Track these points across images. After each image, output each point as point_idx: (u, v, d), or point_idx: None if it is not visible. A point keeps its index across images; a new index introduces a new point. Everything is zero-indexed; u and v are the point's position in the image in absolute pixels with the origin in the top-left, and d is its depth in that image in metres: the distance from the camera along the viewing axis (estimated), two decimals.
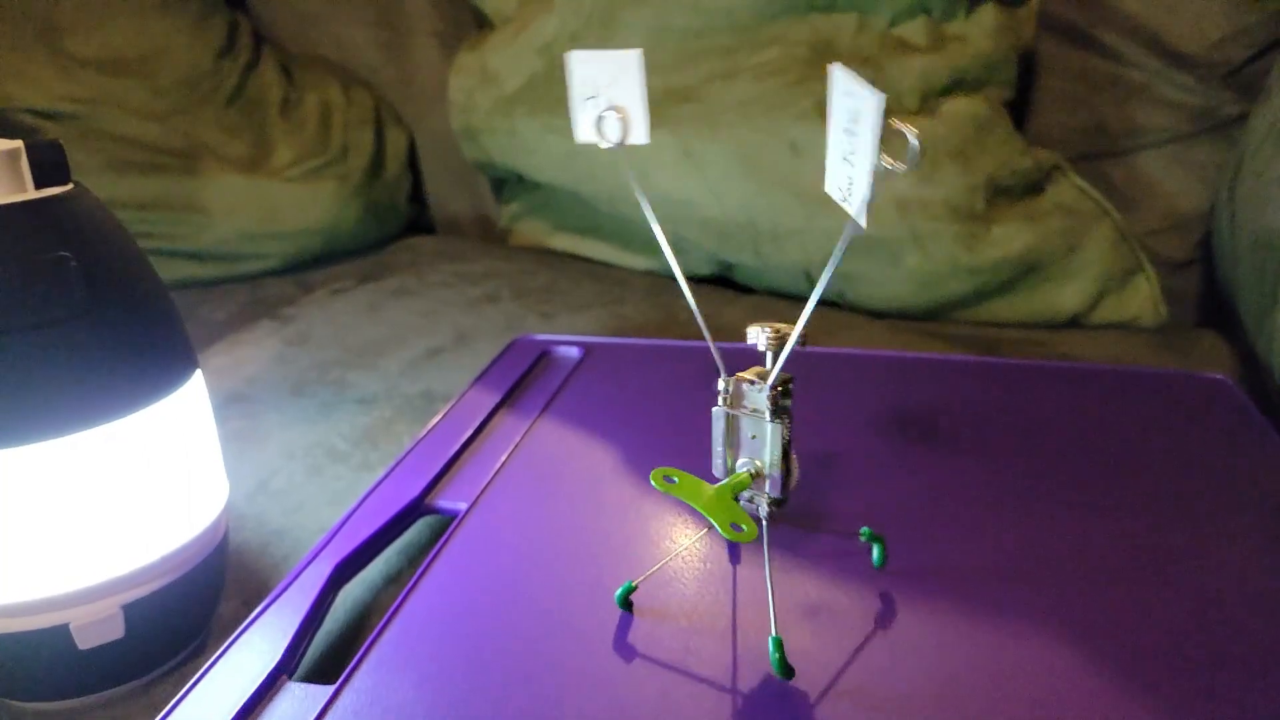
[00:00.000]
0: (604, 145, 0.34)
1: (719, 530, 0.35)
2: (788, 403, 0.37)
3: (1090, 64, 0.92)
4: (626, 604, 0.40)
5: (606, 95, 0.33)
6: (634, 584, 0.40)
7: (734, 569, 0.42)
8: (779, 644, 0.35)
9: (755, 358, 0.65)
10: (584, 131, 0.35)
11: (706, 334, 0.38)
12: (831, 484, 0.49)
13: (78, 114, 0.94)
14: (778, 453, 0.37)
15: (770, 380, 0.36)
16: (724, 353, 0.66)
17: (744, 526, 0.35)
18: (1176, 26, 0.88)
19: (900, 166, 0.27)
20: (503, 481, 0.51)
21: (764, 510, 0.38)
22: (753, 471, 0.38)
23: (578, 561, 0.43)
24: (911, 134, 0.27)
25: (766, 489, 0.38)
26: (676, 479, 0.38)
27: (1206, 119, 0.89)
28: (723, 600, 0.40)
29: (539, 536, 0.45)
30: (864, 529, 0.42)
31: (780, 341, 0.37)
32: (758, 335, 0.37)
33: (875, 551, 0.41)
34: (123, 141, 0.95)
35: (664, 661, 0.36)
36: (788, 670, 0.35)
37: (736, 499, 0.38)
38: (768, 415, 0.37)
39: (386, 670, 0.37)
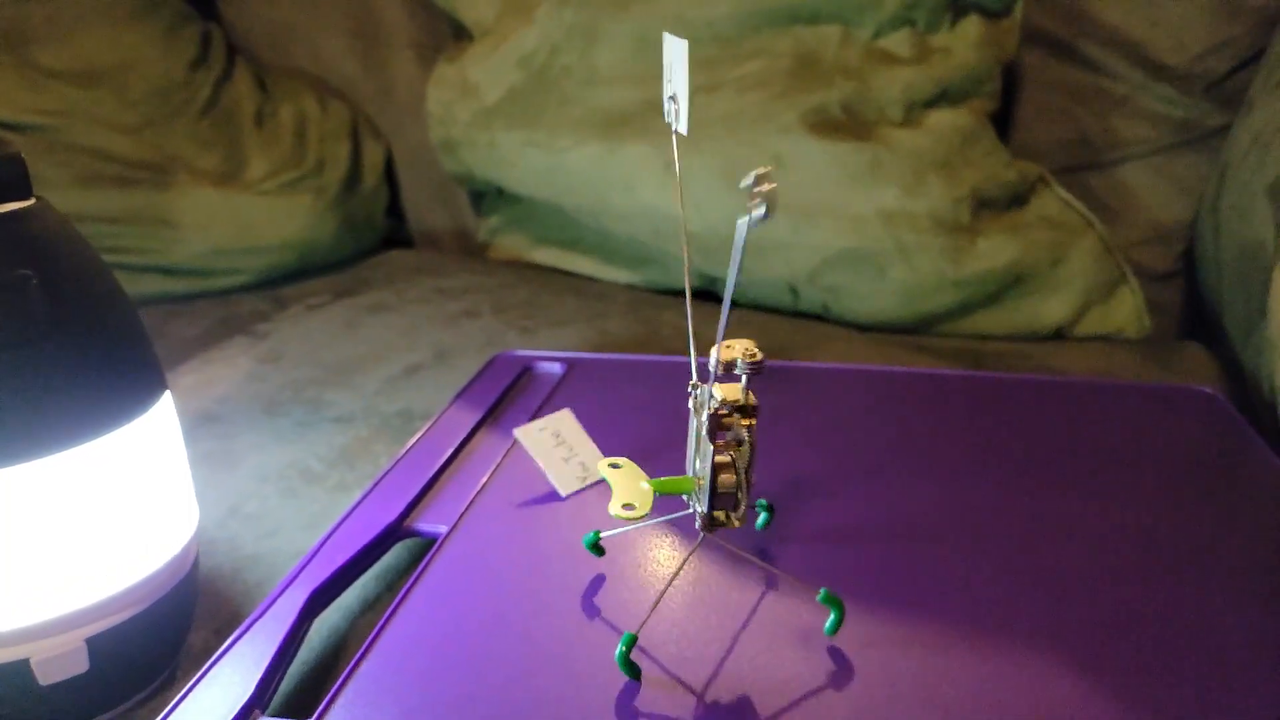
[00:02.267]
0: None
1: (610, 506, 0.37)
2: (748, 422, 0.36)
3: (1073, 76, 0.92)
4: (598, 549, 0.44)
5: (673, 83, 0.34)
6: (599, 534, 0.43)
7: (732, 599, 0.41)
8: (631, 640, 0.35)
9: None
10: (666, 114, 0.36)
11: (690, 342, 0.38)
12: (816, 499, 0.48)
13: (47, 126, 0.93)
14: (707, 466, 0.36)
15: (708, 392, 0.35)
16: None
17: (635, 505, 0.37)
18: (1158, 39, 0.87)
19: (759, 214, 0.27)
20: (484, 503, 0.49)
21: (698, 521, 0.38)
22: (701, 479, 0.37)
23: (564, 585, 0.42)
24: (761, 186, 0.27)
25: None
26: (621, 465, 0.40)
27: (1188, 131, 0.89)
28: (715, 627, 0.39)
29: (523, 559, 0.44)
30: (822, 590, 0.38)
31: (729, 363, 0.35)
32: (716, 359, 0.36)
33: (831, 618, 0.38)
34: (93, 154, 0.93)
35: (656, 688, 0.35)
36: (633, 669, 0.36)
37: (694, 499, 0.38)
38: (704, 428, 0.36)
39: (365, 703, 0.35)
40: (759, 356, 0.35)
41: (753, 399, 0.36)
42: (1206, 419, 0.57)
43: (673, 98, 0.34)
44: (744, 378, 0.35)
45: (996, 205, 0.85)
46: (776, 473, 0.51)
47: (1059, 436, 0.55)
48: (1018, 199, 0.86)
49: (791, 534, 0.45)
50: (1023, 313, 0.85)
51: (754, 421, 0.36)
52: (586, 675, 0.36)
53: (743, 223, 0.28)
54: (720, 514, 0.37)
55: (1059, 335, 0.86)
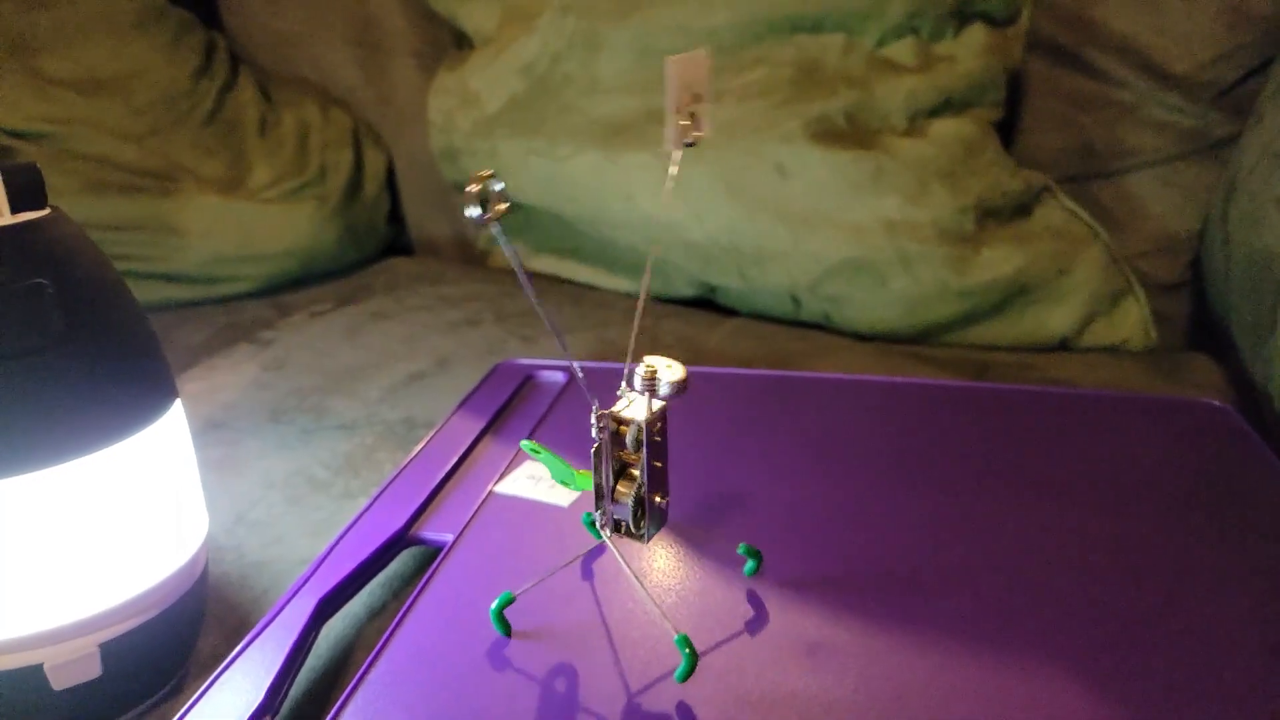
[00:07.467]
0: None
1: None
2: (652, 438, 0.37)
3: (1079, 84, 0.92)
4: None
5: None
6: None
7: (714, 613, 0.41)
8: (507, 599, 0.39)
9: (726, 382, 0.64)
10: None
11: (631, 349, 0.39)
12: (817, 510, 0.48)
13: (53, 135, 0.93)
14: (608, 472, 0.37)
15: (593, 412, 0.37)
16: (707, 377, 0.65)
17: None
18: (1166, 47, 0.87)
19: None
20: (489, 511, 0.49)
21: (599, 520, 0.39)
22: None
23: (570, 592, 0.42)
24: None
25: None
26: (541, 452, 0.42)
27: (1196, 140, 0.89)
28: (704, 639, 0.39)
29: (528, 567, 0.44)
30: (679, 634, 0.36)
31: (650, 380, 0.36)
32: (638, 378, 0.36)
33: (681, 665, 0.36)
34: (98, 162, 0.93)
35: (650, 697, 0.35)
36: (504, 625, 0.39)
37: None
38: (595, 432, 0.37)
39: (373, 710, 0.35)
40: (680, 371, 0.36)
41: (655, 409, 0.36)
42: (1216, 432, 0.57)
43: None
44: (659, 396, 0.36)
45: (1001, 215, 0.85)
46: (777, 483, 0.51)
47: (1065, 449, 0.55)
48: (1022, 208, 0.86)
49: (791, 545, 0.45)
50: (1027, 323, 0.85)
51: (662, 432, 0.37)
52: (595, 681, 0.36)
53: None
54: (640, 525, 0.38)
55: (1064, 346, 0.86)
